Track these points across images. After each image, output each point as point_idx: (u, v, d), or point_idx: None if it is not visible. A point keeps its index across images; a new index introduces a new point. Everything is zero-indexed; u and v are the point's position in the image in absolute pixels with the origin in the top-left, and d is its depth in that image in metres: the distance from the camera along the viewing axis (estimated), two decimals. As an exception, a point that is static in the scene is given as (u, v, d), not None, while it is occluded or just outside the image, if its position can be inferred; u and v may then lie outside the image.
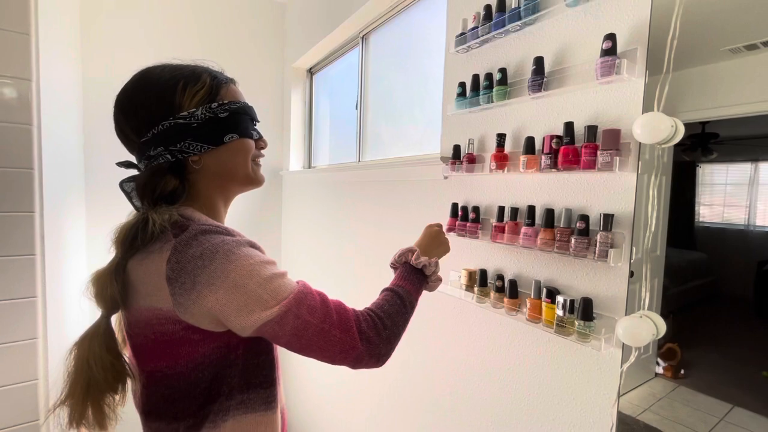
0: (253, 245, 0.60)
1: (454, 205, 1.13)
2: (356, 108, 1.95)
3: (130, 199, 0.65)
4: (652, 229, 0.72)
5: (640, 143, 0.73)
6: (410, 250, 0.78)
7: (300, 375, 2.30)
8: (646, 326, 0.70)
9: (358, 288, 1.71)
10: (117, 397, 0.60)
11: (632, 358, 0.74)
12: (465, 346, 1.15)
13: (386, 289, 0.71)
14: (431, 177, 1.27)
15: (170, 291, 0.54)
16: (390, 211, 1.51)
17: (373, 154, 1.87)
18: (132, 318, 0.60)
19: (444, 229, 0.93)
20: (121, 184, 0.65)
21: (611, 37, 0.75)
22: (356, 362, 0.58)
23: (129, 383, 0.62)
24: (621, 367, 0.76)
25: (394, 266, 0.80)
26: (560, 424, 0.89)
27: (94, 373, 0.56)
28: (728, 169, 0.72)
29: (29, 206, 1.18)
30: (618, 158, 0.74)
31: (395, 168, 1.50)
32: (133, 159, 0.66)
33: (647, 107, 0.72)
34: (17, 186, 1.16)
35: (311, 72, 2.54)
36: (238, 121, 0.64)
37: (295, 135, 2.55)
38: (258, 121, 0.70)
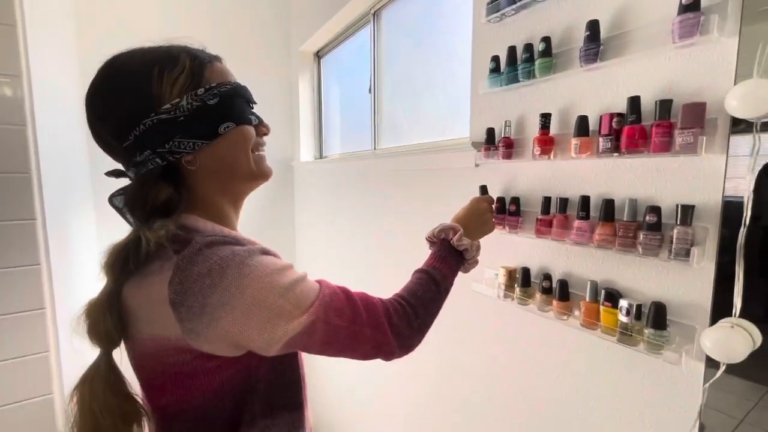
0: (266, 252, 0.53)
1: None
2: (369, 91, 1.82)
3: (123, 215, 0.55)
4: (747, 222, 0.60)
5: (732, 118, 0.60)
6: (453, 228, 0.73)
7: (322, 375, 2.25)
8: (742, 338, 0.59)
9: (378, 283, 1.62)
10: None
11: (719, 374, 0.63)
12: (504, 351, 1.05)
13: (421, 271, 0.67)
14: (459, 165, 1.15)
15: (176, 317, 0.46)
16: (412, 202, 1.40)
17: (390, 141, 1.75)
18: (137, 349, 0.52)
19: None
20: (110, 200, 0.55)
21: (694, -11, 0.61)
22: (388, 356, 0.56)
23: (145, 421, 0.54)
24: (704, 385, 0.65)
25: (431, 240, 0.75)
26: (623, 442, 0.79)
27: (99, 421, 0.48)
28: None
29: (30, 213, 1.11)
30: (704, 138, 0.61)
31: (416, 155, 1.38)
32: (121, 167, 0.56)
33: (742, 73, 0.59)
34: (15, 192, 1.08)
35: (318, 55, 2.40)
36: (232, 105, 0.54)
37: (304, 123, 2.43)
38: (254, 103, 0.60)
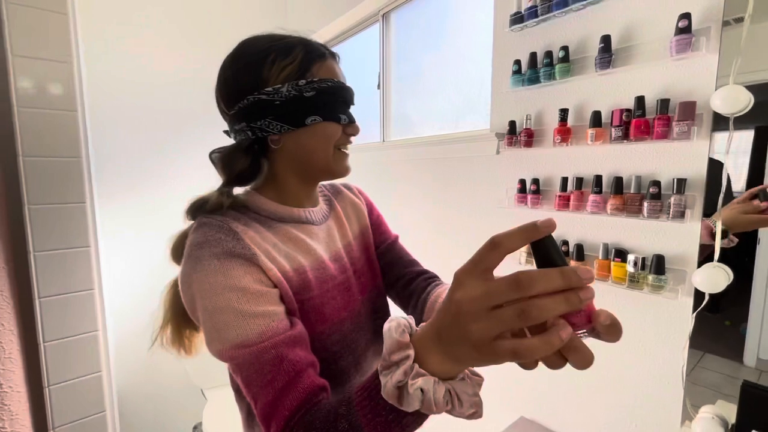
0: (249, 259, 0.51)
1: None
2: (378, 87, 1.95)
3: (217, 169, 0.63)
4: (724, 190, 0.82)
5: (714, 113, 0.81)
6: (403, 353, 0.36)
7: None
8: (722, 274, 0.81)
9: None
10: (198, 333, 0.63)
11: (704, 303, 0.85)
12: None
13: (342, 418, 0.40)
14: (480, 153, 1.33)
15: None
16: (430, 191, 1.56)
17: (399, 134, 1.90)
18: None
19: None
20: (210, 155, 0.63)
21: (687, 16, 0.82)
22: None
23: None
24: (692, 313, 0.87)
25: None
26: (632, 365, 1.00)
27: (166, 312, 0.61)
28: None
29: (80, 197, 1.14)
30: (695, 128, 0.82)
31: (429, 146, 1.53)
32: None
33: (721, 81, 0.80)
34: (68, 176, 1.11)
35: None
36: (325, 102, 0.57)
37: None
38: (352, 104, 0.63)
